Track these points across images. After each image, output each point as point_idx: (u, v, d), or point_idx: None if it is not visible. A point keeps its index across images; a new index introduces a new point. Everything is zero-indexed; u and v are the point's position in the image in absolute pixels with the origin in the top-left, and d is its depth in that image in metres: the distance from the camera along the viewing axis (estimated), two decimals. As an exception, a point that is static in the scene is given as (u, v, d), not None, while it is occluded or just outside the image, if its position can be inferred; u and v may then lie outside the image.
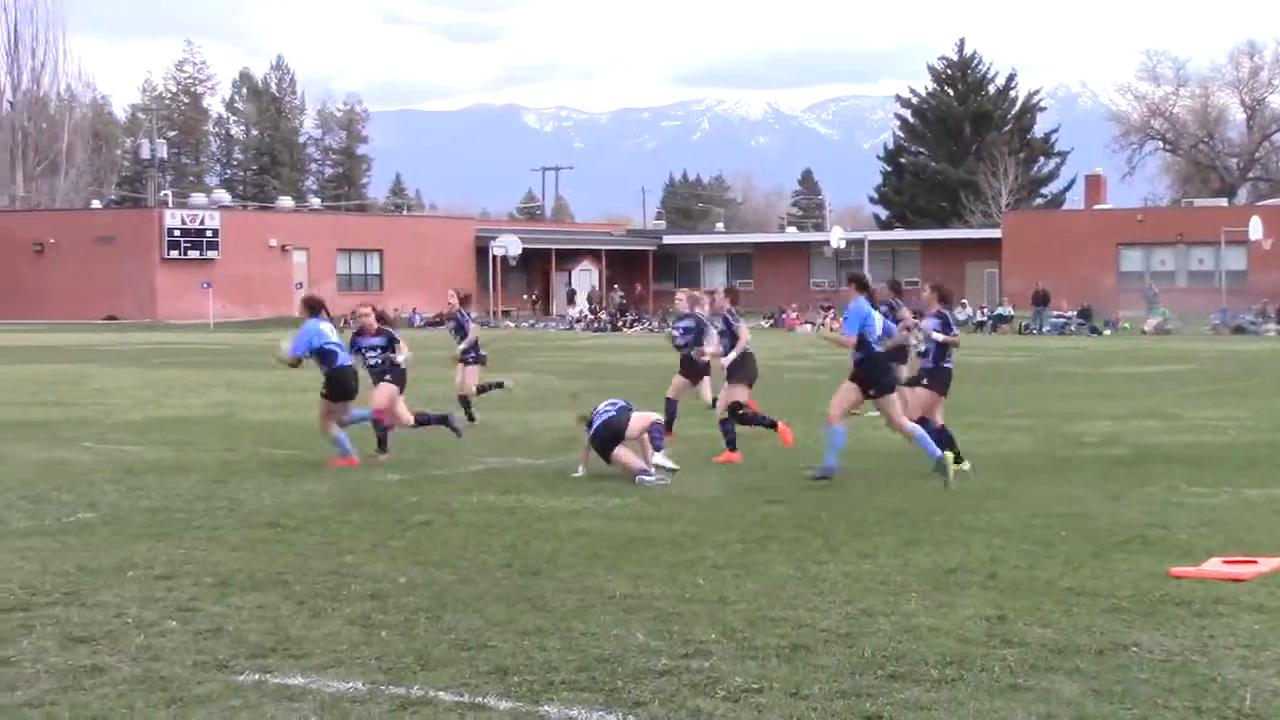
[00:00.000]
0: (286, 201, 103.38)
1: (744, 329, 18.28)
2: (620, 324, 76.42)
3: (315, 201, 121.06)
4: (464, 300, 22.83)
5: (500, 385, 23.97)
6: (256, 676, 8.18)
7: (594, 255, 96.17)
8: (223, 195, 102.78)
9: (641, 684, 8.02)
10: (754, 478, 16.23)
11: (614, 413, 16.28)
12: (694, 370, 19.23)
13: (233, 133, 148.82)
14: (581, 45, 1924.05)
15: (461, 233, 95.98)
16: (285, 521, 13.27)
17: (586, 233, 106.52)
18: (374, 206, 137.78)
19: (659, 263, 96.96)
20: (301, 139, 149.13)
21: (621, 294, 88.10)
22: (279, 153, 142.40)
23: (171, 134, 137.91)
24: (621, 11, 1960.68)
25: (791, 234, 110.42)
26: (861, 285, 15.94)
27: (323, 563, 11.35)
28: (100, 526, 13.15)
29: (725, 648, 8.75)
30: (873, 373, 15.75)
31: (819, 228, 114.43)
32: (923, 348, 17.18)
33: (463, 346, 22.46)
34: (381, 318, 19.05)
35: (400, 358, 18.36)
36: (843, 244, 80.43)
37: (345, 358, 17.70)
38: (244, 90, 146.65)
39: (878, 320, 15.82)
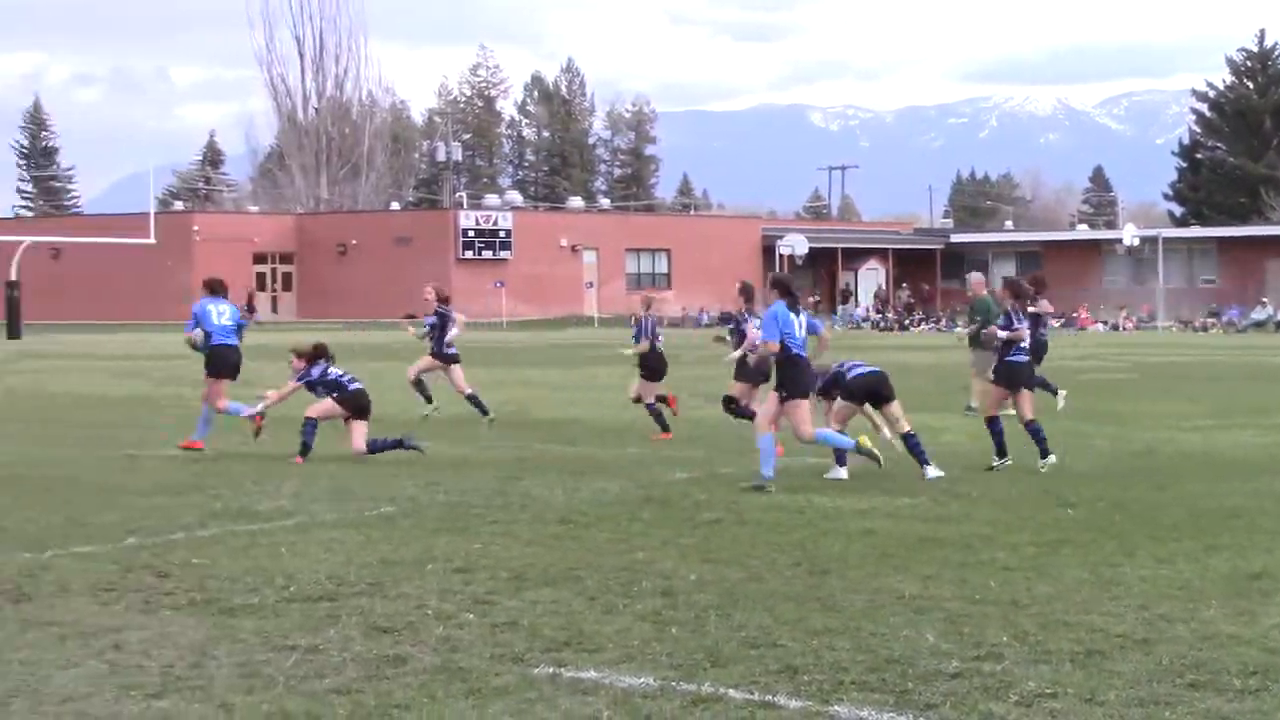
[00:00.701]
0: (577, 202, 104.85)
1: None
2: (908, 323, 75.79)
3: (604, 202, 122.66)
4: (444, 299, 23.10)
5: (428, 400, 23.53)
6: (551, 670, 8.35)
7: (880, 254, 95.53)
8: (515, 196, 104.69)
9: (932, 686, 7.98)
10: (1046, 480, 15.98)
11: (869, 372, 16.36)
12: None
13: (524, 135, 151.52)
14: (868, 44, 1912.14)
15: (748, 232, 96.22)
16: (577, 518, 13.49)
17: (873, 232, 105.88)
18: (662, 206, 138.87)
19: (946, 261, 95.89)
20: (591, 140, 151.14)
21: (909, 293, 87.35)
22: (569, 154, 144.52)
23: (466, 137, 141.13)
24: (908, 9, 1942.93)
25: (1082, 231, 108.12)
26: (784, 290, 15.94)
27: (614, 559, 11.51)
28: (401, 520, 13.54)
29: (1018, 651, 8.65)
30: (786, 376, 15.60)
31: (1110, 225, 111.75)
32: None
33: (447, 340, 22.74)
34: (441, 299, 21.87)
35: (450, 334, 21.39)
36: (1136, 241, 78.59)
37: (223, 337, 18.73)
38: (535, 93, 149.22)
39: (797, 323, 15.66)
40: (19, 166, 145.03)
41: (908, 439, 16.42)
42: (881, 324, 78.18)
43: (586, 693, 7.91)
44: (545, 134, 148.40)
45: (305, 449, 17.71)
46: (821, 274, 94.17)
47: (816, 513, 13.79)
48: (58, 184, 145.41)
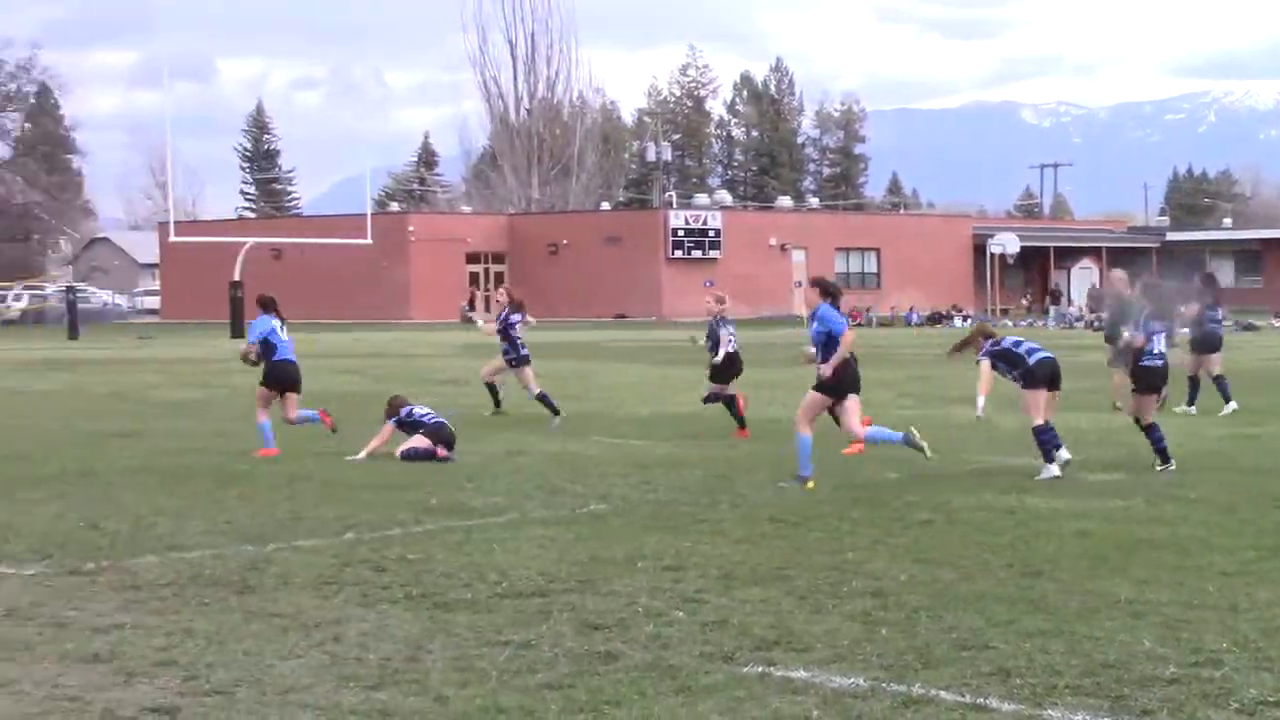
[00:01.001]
0: (786, 201, 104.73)
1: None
2: (1123, 323, 74.36)
3: (813, 201, 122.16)
4: (515, 302, 23.16)
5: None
6: (760, 669, 8.37)
7: (1094, 253, 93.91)
8: (724, 196, 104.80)
9: (1149, 691, 7.85)
10: (1268, 482, 15.60)
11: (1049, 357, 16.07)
12: None
13: (733, 134, 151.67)
14: (1081, 39, 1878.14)
15: (959, 231, 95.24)
16: (787, 517, 13.48)
17: (1086, 230, 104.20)
18: (871, 205, 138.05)
19: (1162, 260, 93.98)
20: (800, 139, 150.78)
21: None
22: (778, 153, 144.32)
23: (676, 137, 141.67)
24: (1123, 2, 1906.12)
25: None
26: (824, 290, 15.76)
27: (824, 558, 11.50)
28: (611, 518, 13.66)
29: (1238, 658, 8.47)
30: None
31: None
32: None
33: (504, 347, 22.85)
34: (513, 301, 22.84)
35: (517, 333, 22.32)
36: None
37: (285, 353, 19.05)
38: (744, 93, 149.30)
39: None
40: (242, 169, 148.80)
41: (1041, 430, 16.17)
42: (1095, 324, 76.80)
43: (796, 692, 7.92)
44: (754, 133, 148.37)
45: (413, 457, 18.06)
46: (1033, 273, 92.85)
47: (1028, 514, 13.63)
48: (279, 186, 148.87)
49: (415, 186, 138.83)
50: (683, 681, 8.11)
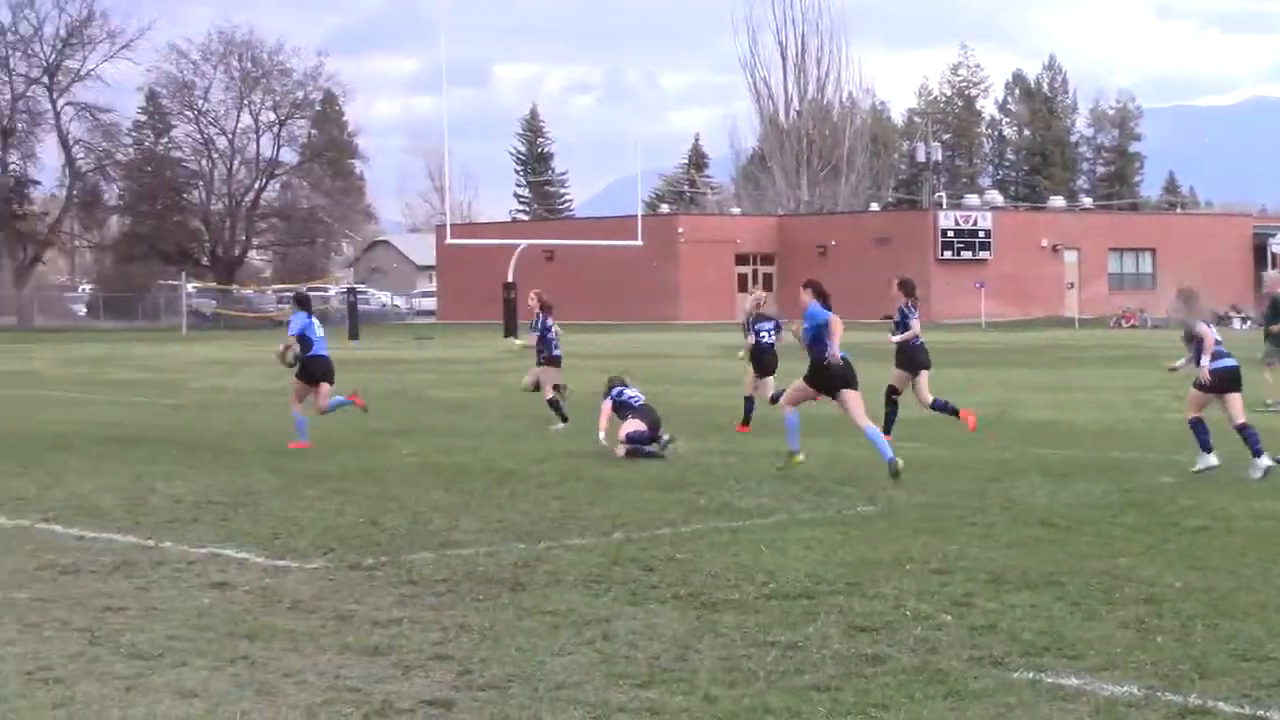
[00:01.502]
0: (1058, 201, 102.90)
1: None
2: None
3: (1086, 201, 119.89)
4: (545, 306, 23.16)
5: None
6: (1031, 675, 8.26)
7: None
8: (995, 196, 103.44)
9: None
10: None
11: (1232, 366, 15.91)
12: None
13: (1005, 134, 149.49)
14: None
15: (1238, 230, 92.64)
16: (1057, 521, 13.28)
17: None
18: (1146, 205, 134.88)
19: None
20: (1073, 138, 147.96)
21: None
22: (1050, 152, 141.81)
23: (945, 137, 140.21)
24: None
25: None
26: (816, 291, 16.64)
27: (1096, 563, 11.29)
28: (879, 520, 13.60)
29: None
30: (821, 369, 16.55)
31: None
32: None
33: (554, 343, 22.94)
34: (544, 306, 22.93)
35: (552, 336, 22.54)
36: None
37: (320, 348, 20.06)
38: (1016, 91, 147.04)
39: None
40: (516, 172, 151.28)
41: (1243, 429, 16.22)
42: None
43: (1067, 699, 7.81)
44: (1026, 133, 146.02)
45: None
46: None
47: (1312, 522, 13.20)
48: (552, 188, 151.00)
49: (685, 188, 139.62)
50: (951, 686, 8.05)
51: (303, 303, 20.83)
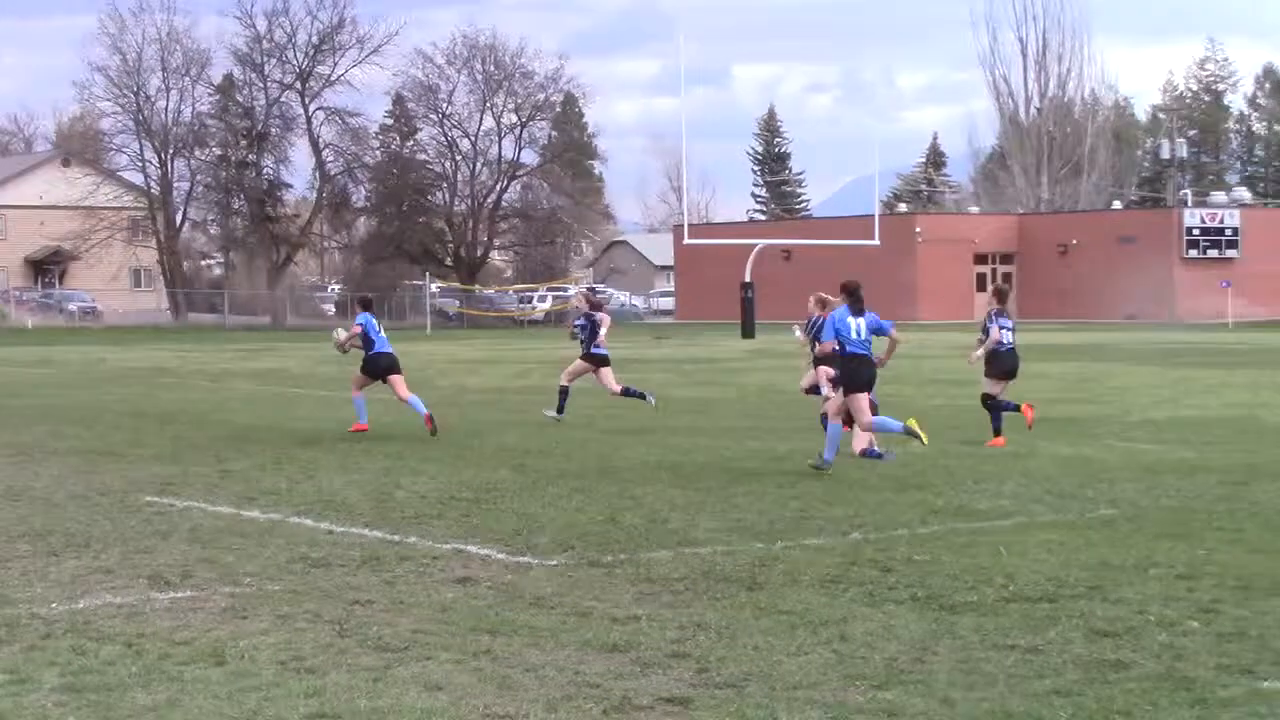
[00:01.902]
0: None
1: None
2: None
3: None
4: (594, 305, 24.71)
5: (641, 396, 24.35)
6: (1282, 684, 8.07)
7: None
8: (1243, 193, 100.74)
9: None
10: None
11: None
12: None
13: (1254, 129, 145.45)
14: None
15: None
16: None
17: None
18: None
19: None
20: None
21: None
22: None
23: (1191, 133, 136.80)
24: None
25: None
26: (849, 294, 17.43)
27: (1350, 572, 10.97)
28: (1121, 523, 13.36)
29: None
30: (843, 372, 17.42)
31: None
32: None
33: (597, 341, 23.72)
34: (592, 304, 24.59)
35: (599, 335, 23.53)
36: None
37: (382, 345, 21.71)
38: (1266, 86, 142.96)
39: (854, 326, 17.11)
40: (753, 172, 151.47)
41: None
42: None
43: (1321, 710, 7.61)
44: (1277, 128, 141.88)
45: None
46: None
47: None
48: (789, 188, 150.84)
49: (923, 187, 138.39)
50: (1198, 694, 7.90)
51: (365, 305, 23.24)
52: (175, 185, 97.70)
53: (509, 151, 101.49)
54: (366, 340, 21.76)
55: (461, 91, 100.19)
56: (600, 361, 23.85)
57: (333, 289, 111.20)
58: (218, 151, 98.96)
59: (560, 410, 23.69)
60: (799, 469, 17.30)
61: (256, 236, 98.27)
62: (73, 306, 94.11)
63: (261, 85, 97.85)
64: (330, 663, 8.66)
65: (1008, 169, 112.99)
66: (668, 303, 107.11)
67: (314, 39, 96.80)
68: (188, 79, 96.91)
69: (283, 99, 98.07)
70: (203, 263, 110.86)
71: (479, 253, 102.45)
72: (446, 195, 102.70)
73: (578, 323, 24.45)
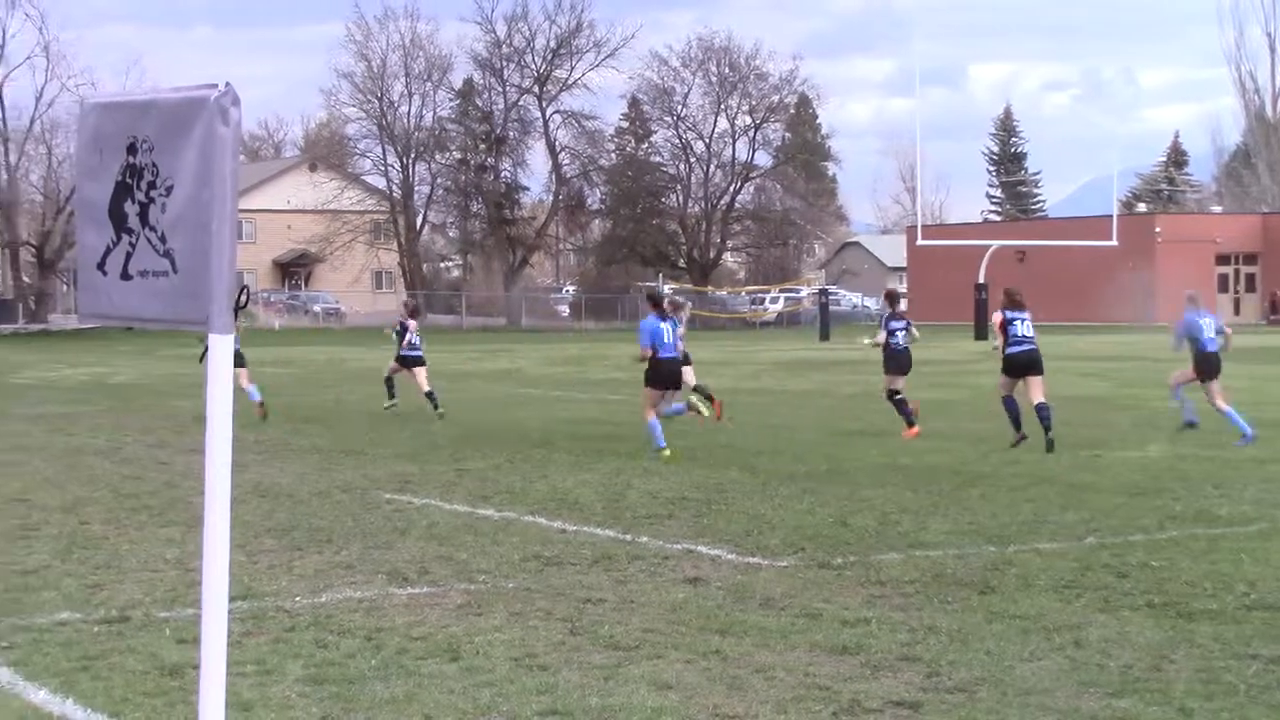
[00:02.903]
0: None
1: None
2: None
3: None
4: (411, 311, 27.31)
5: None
6: None
7: None
8: None
9: None
10: None
11: None
12: None
13: None
14: None
15: None
16: None
17: None
18: None
19: None
20: None
21: None
22: None
23: None
24: None
25: None
26: (653, 304, 19.84)
27: None
28: (1370, 533, 12.98)
29: None
30: (648, 372, 19.43)
31: None
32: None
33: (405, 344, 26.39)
34: (409, 311, 27.27)
35: (406, 340, 26.30)
36: None
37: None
38: None
39: (665, 330, 19.29)
40: (989, 172, 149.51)
41: None
42: None
43: None
44: None
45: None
46: None
47: None
48: (1024, 188, 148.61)
49: (1163, 187, 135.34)
50: None
51: (413, 312, 27.07)
52: (416, 189, 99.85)
53: (742, 153, 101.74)
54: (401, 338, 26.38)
55: (696, 94, 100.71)
56: (413, 363, 26.35)
57: (567, 291, 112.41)
58: (457, 155, 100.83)
59: (391, 396, 26.66)
60: (1032, 471, 17.09)
61: (494, 239, 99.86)
62: (317, 308, 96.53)
63: (500, 89, 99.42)
64: (562, 660, 8.79)
65: (1252, 167, 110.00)
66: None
67: (552, 43, 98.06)
68: (429, 84, 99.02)
69: (521, 103, 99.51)
70: (441, 265, 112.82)
71: (712, 254, 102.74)
72: (680, 197, 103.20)
73: (396, 328, 26.94)
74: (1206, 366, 20.47)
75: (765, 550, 12.35)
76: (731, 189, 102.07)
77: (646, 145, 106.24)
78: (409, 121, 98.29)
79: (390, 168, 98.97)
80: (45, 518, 14.29)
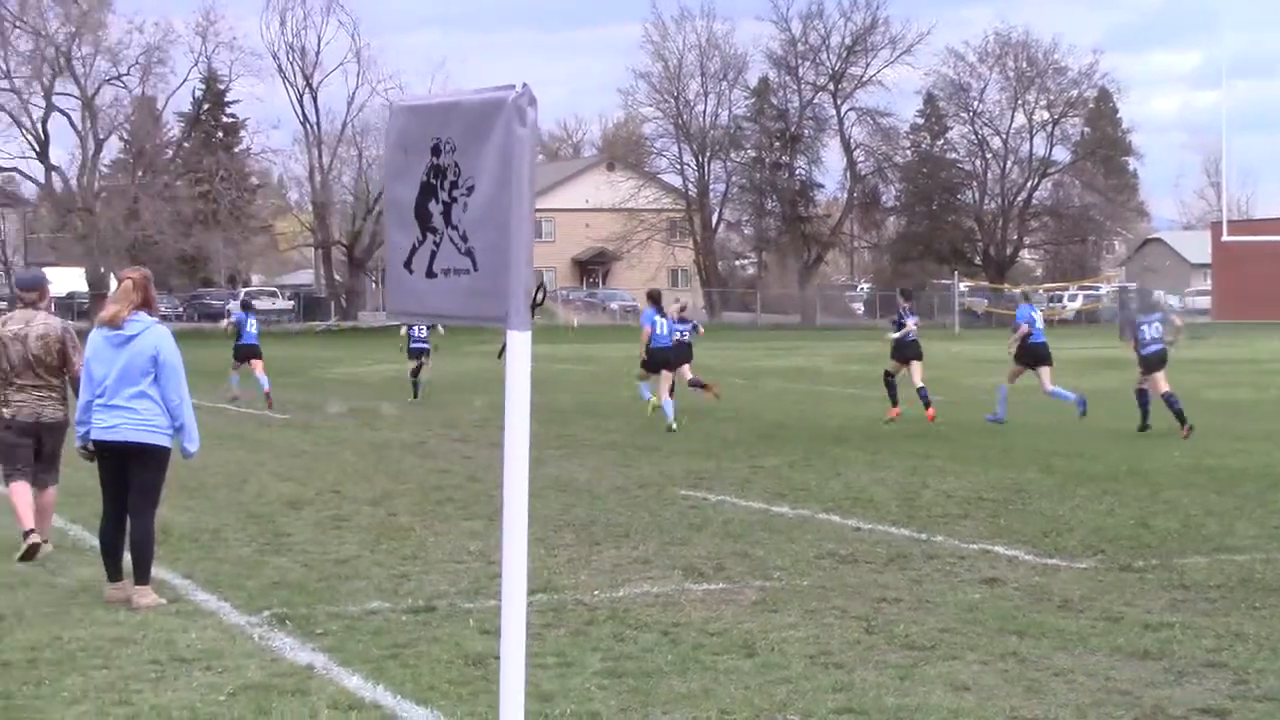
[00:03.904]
0: None
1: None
2: None
3: None
4: (245, 305, 30.19)
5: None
6: None
7: None
8: None
9: None
10: None
11: None
12: None
13: None
14: None
15: None
16: None
17: None
18: None
19: None
20: None
21: None
22: None
23: None
24: None
25: None
26: (652, 300, 24.15)
27: None
28: None
29: None
30: (648, 358, 23.68)
31: None
32: None
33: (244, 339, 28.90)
34: (244, 305, 30.03)
35: (248, 331, 28.90)
36: None
37: (660, 341, 23.53)
38: None
39: (659, 323, 23.55)
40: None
41: None
42: None
43: None
44: None
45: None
46: None
47: None
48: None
49: None
50: None
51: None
52: (711, 187, 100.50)
53: (1040, 149, 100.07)
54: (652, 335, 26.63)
55: (993, 89, 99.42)
56: (247, 355, 28.71)
57: (862, 288, 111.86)
58: (752, 153, 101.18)
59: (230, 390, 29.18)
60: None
61: (788, 236, 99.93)
62: (615, 305, 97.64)
63: (795, 87, 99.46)
64: (857, 659, 8.77)
65: None
66: (1204, 301, 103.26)
67: (847, 40, 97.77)
68: (724, 83, 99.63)
69: (815, 100, 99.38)
70: (736, 262, 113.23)
71: (1008, 251, 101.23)
72: (976, 194, 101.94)
73: (233, 319, 29.88)
74: None
75: (1064, 551, 12.15)
76: (1029, 185, 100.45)
77: (942, 141, 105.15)
78: (705, 120, 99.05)
79: (686, 166, 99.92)
80: (356, 509, 14.78)
